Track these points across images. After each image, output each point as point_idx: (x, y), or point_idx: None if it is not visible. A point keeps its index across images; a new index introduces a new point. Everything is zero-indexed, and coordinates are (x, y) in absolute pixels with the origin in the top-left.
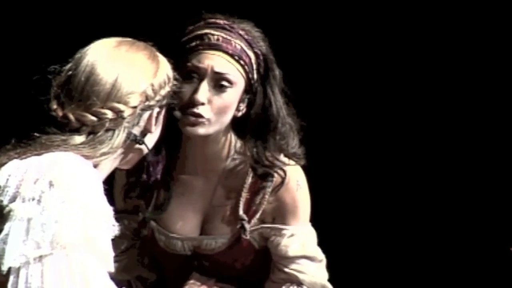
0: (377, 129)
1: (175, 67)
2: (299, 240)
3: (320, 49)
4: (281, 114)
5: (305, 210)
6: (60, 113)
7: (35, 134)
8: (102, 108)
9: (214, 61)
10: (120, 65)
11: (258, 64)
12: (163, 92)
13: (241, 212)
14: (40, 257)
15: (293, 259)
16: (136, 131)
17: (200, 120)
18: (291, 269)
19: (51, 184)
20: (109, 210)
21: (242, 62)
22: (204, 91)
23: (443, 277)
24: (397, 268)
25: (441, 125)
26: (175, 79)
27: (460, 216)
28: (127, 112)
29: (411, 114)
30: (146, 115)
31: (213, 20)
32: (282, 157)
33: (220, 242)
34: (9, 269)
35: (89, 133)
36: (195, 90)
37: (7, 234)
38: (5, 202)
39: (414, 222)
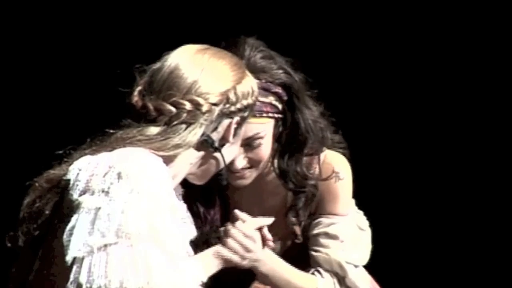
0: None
1: None
2: (331, 224)
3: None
4: (309, 129)
5: (344, 201)
6: (139, 103)
7: (109, 130)
8: (182, 99)
9: None
10: (206, 64)
11: (280, 98)
12: (245, 102)
13: (290, 218)
14: (105, 246)
15: (315, 236)
16: (214, 137)
17: (245, 172)
18: (311, 249)
19: (119, 176)
20: (177, 204)
21: (264, 114)
22: (239, 159)
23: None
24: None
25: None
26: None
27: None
28: (205, 107)
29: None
30: (225, 122)
31: None
32: (314, 170)
33: (277, 247)
34: (73, 260)
35: (164, 124)
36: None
37: (73, 226)
38: (75, 196)
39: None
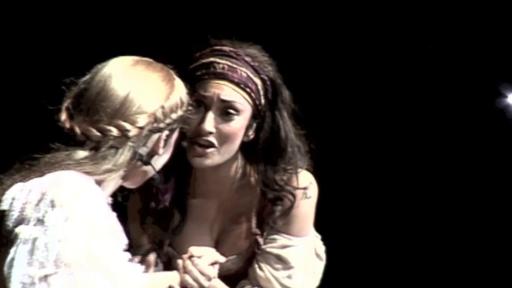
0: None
1: (191, 93)
2: (285, 246)
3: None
4: (290, 137)
5: (306, 222)
6: (67, 125)
7: (38, 155)
8: (108, 124)
9: (220, 90)
10: (133, 83)
11: (265, 90)
12: (174, 116)
13: (254, 228)
14: (45, 276)
15: (266, 254)
16: (143, 151)
17: (208, 150)
18: (258, 264)
19: (53, 204)
20: (115, 225)
21: (248, 89)
22: (210, 120)
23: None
24: (399, 270)
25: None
26: (189, 104)
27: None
28: (132, 132)
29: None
30: (155, 136)
31: (218, 47)
32: (292, 180)
33: (237, 261)
34: None
35: (92, 148)
36: (202, 120)
37: (13, 258)
38: (10, 227)
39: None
